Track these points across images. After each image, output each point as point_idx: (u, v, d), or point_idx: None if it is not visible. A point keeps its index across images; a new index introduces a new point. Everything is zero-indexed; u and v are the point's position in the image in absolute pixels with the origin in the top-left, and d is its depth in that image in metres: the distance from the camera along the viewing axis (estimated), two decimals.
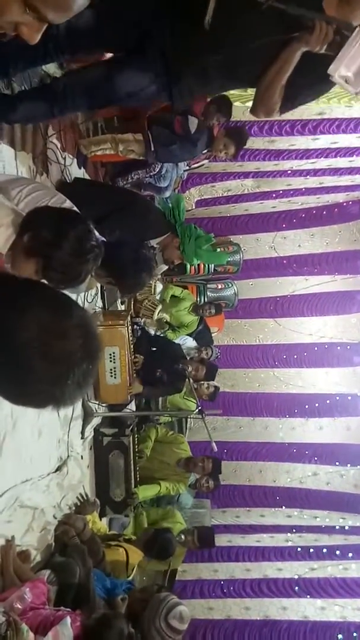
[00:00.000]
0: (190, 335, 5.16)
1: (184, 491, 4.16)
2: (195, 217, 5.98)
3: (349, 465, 6.45)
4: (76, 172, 3.21)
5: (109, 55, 2.18)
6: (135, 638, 1.97)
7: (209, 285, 6.16)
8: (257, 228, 6.54)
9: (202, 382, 4.44)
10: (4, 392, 0.76)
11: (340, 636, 4.45)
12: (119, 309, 3.83)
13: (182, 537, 3.66)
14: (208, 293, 6.08)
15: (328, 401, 6.56)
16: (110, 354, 3.22)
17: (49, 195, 1.93)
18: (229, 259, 6.06)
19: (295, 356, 6.63)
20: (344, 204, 6.49)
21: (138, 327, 4.02)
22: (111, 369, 3.23)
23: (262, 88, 1.87)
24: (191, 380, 3.91)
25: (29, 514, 2.37)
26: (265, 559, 5.04)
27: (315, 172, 5.45)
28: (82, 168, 3.35)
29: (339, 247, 6.62)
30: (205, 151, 3.64)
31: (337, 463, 6.45)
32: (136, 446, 3.56)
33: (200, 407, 3.38)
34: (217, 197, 5.94)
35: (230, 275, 6.37)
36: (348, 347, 6.62)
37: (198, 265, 5.73)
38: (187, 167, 4.32)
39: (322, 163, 5.21)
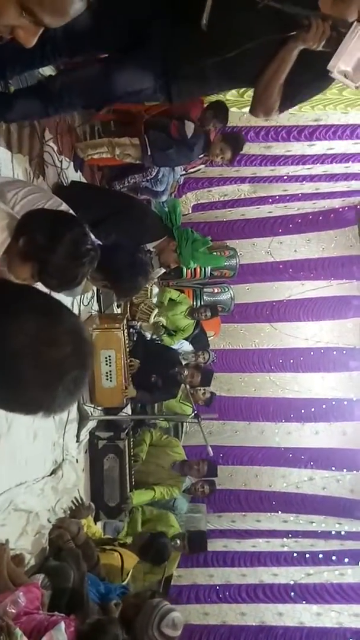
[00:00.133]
0: (186, 339, 5.16)
1: (178, 495, 4.14)
2: (192, 221, 6.00)
3: (345, 470, 6.44)
4: (73, 175, 3.22)
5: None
6: None
7: (205, 289, 6.17)
8: (253, 233, 6.56)
9: (198, 387, 4.44)
10: None
11: None
12: (115, 312, 3.83)
13: (178, 542, 3.64)
14: (204, 297, 6.09)
15: (324, 406, 6.56)
16: (106, 357, 3.21)
17: (44, 198, 1.94)
18: (225, 263, 6.08)
19: (292, 361, 6.64)
20: (340, 209, 6.53)
21: (134, 331, 4.02)
22: (107, 372, 3.23)
23: (261, 88, 1.87)
24: (187, 385, 3.91)
25: (23, 517, 2.36)
26: (261, 564, 5.02)
27: (312, 178, 5.48)
28: (78, 171, 3.36)
29: (334, 252, 6.65)
30: (202, 156, 3.66)
31: (333, 468, 6.45)
32: (131, 450, 3.55)
33: (196, 412, 3.38)
34: (213, 201, 5.96)
35: (227, 279, 6.38)
36: (344, 352, 6.63)
37: (194, 269, 5.74)
38: (184, 172, 4.34)
39: (318, 169, 5.24)
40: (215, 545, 5.09)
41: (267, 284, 6.70)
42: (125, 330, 3.40)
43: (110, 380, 3.23)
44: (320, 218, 6.55)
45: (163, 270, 3.91)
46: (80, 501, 2.81)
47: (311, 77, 1.85)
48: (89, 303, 3.28)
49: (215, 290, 6.28)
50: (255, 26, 1.74)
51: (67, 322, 0.75)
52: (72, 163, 3.26)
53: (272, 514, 6.29)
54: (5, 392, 0.74)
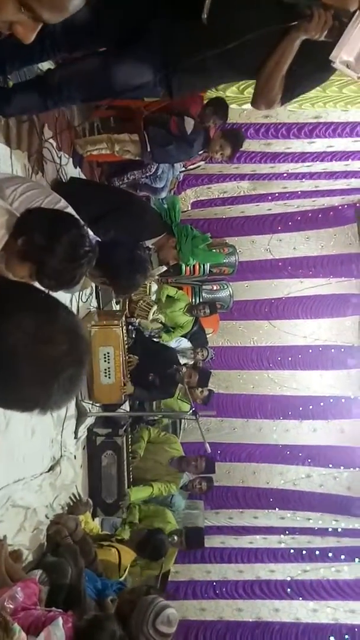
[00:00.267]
0: (184, 336, 5.17)
1: (176, 492, 4.16)
2: (191, 218, 5.99)
3: (342, 467, 6.47)
4: (72, 171, 3.21)
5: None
6: None
7: (204, 287, 6.17)
8: (252, 230, 6.55)
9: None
10: None
11: (332, 638, 4.46)
12: (114, 309, 3.83)
13: (175, 538, 3.66)
14: (203, 294, 6.09)
15: (322, 403, 6.58)
16: (105, 354, 3.22)
17: (43, 195, 1.93)
18: (224, 260, 6.07)
19: (290, 358, 6.65)
20: (339, 207, 6.52)
21: (133, 328, 4.02)
22: (105, 369, 3.23)
23: (262, 80, 1.86)
24: (185, 385, 3.91)
25: (21, 513, 2.36)
26: (258, 561, 5.05)
27: (311, 176, 5.47)
28: (77, 167, 3.35)
29: (334, 250, 6.65)
30: (202, 152, 3.65)
31: (330, 465, 6.47)
32: (129, 447, 3.56)
33: (194, 409, 3.38)
34: (213, 198, 5.95)
35: (226, 276, 6.38)
36: (342, 349, 6.64)
37: (193, 266, 5.74)
38: (183, 168, 4.33)
39: (318, 166, 5.23)
40: (213, 541, 5.11)
41: (266, 281, 6.70)
42: (124, 327, 3.40)
43: (109, 377, 3.24)
44: (320, 216, 6.54)
45: (164, 268, 3.91)
46: (78, 497, 2.82)
47: (313, 68, 1.84)
48: (87, 300, 3.27)
49: (214, 288, 6.28)
50: (257, 17, 1.73)
51: (63, 320, 0.75)
52: (71, 159, 3.24)
53: (270, 510, 6.31)
54: (1, 389, 0.74)
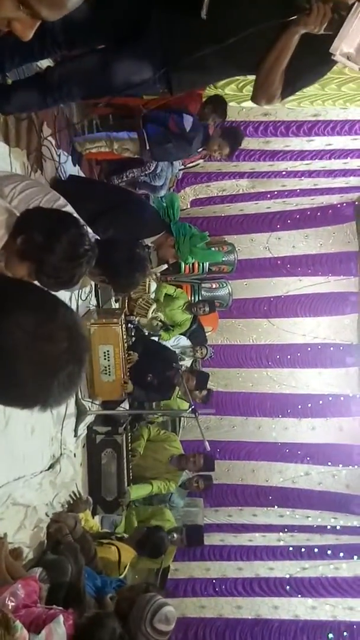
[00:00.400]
0: (184, 334, 5.17)
1: (175, 490, 4.16)
2: (190, 216, 5.99)
3: (340, 465, 6.48)
4: (71, 169, 3.21)
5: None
6: (126, 638, 1.96)
7: (203, 285, 6.17)
8: (251, 228, 6.55)
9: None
10: None
11: (330, 635, 4.48)
12: (113, 307, 3.83)
13: (175, 535, 3.66)
14: (202, 292, 6.09)
15: (321, 402, 6.59)
16: (105, 352, 3.22)
17: (42, 193, 1.93)
18: (223, 259, 6.07)
19: (289, 356, 6.66)
20: (338, 205, 6.53)
21: (132, 326, 4.02)
22: (105, 367, 3.23)
23: (262, 75, 1.85)
24: (185, 385, 3.91)
25: (22, 511, 2.37)
26: (257, 558, 5.06)
27: (310, 174, 5.47)
28: (76, 165, 3.35)
29: (332, 248, 6.65)
30: (201, 150, 3.65)
31: (329, 463, 6.48)
32: (129, 445, 3.56)
33: (193, 407, 3.39)
34: (212, 196, 5.95)
35: (225, 275, 6.38)
36: (341, 348, 6.65)
37: (192, 264, 5.73)
38: (182, 166, 4.33)
39: (317, 164, 5.23)
40: (212, 539, 5.12)
41: (265, 279, 6.70)
42: (123, 325, 3.40)
43: (109, 375, 3.24)
44: (319, 214, 6.54)
45: (166, 266, 3.90)
46: (78, 495, 2.82)
47: (313, 61, 1.83)
48: (87, 298, 3.27)
49: (213, 286, 6.28)
50: (256, 12, 1.73)
51: (63, 318, 0.75)
52: (70, 157, 3.24)
53: (269, 508, 6.33)
54: (1, 386, 0.74)
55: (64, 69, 2.04)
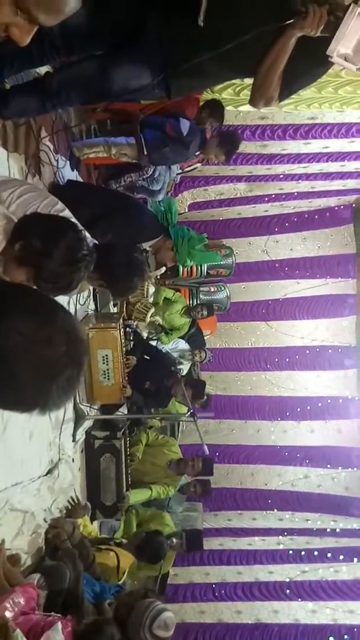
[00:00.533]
0: (182, 337, 5.17)
1: (173, 494, 4.15)
2: (188, 220, 6.00)
3: (340, 468, 6.47)
4: (69, 174, 3.21)
5: None
6: None
7: (201, 288, 6.17)
8: (249, 232, 6.56)
9: None
10: None
11: (331, 638, 4.46)
12: (112, 311, 3.83)
13: (174, 540, 3.65)
14: (200, 296, 6.09)
15: (319, 404, 6.59)
16: (103, 357, 3.21)
17: (40, 197, 1.93)
18: (221, 262, 6.08)
19: (287, 359, 6.66)
20: (336, 208, 6.54)
21: (130, 330, 4.01)
22: (104, 371, 3.23)
23: (260, 78, 1.87)
24: (184, 388, 3.90)
25: (19, 517, 2.35)
26: (257, 562, 5.05)
27: (307, 177, 5.49)
28: (74, 170, 3.35)
29: (330, 251, 6.66)
30: (198, 153, 3.65)
31: (328, 466, 6.48)
32: (128, 449, 3.55)
33: (192, 410, 3.38)
34: (209, 200, 5.96)
35: (223, 278, 6.39)
36: (339, 350, 6.66)
37: (190, 268, 5.74)
38: (180, 170, 4.34)
39: (314, 167, 5.25)
40: (212, 543, 5.11)
41: (263, 282, 6.71)
42: (122, 330, 3.40)
43: (108, 379, 3.23)
44: (316, 217, 6.56)
45: (164, 269, 3.90)
46: (76, 501, 2.81)
47: (310, 63, 1.85)
48: (85, 302, 3.27)
49: (212, 289, 6.28)
50: (253, 17, 1.74)
51: (61, 322, 0.75)
52: (68, 162, 3.24)
53: (268, 512, 6.32)
54: (0, 390, 0.74)
55: (63, 75, 2.05)
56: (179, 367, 4.68)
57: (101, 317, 3.43)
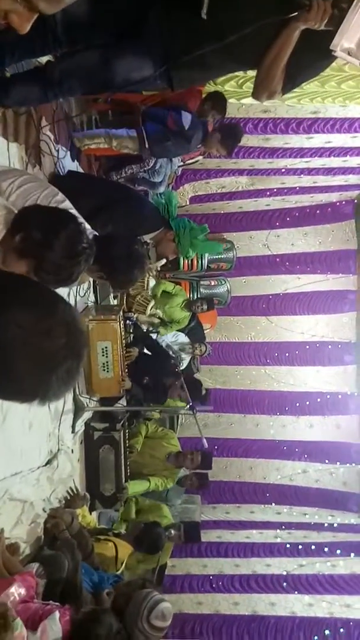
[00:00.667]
0: (182, 331, 5.17)
1: (172, 486, 4.16)
2: (189, 213, 5.98)
3: (338, 463, 6.50)
4: (69, 164, 3.20)
5: None
6: (123, 633, 1.97)
7: (202, 282, 6.17)
8: (250, 226, 6.55)
9: None
10: None
11: (327, 632, 4.49)
12: (112, 303, 3.83)
13: (172, 532, 3.67)
14: (201, 290, 6.09)
15: (319, 399, 6.60)
16: (103, 349, 3.22)
17: (41, 188, 1.92)
18: (222, 256, 6.07)
19: (287, 354, 6.66)
20: (337, 203, 6.52)
21: (130, 323, 4.02)
22: (104, 364, 3.23)
23: (263, 71, 1.86)
24: (183, 384, 3.90)
25: (19, 507, 2.37)
26: (255, 555, 5.08)
27: (309, 171, 5.47)
28: (75, 161, 3.34)
29: (331, 246, 6.65)
30: (200, 146, 3.64)
31: (326, 461, 6.50)
32: (127, 441, 3.56)
33: (191, 404, 3.39)
34: (211, 193, 5.94)
35: (224, 272, 6.38)
36: (339, 346, 6.66)
37: (191, 261, 5.73)
38: (182, 163, 4.32)
39: (316, 162, 5.23)
40: (210, 536, 5.14)
41: (264, 277, 6.71)
42: (122, 322, 3.40)
43: (107, 371, 3.24)
44: (318, 212, 6.54)
45: (164, 261, 3.89)
46: (75, 491, 2.83)
47: (314, 57, 1.84)
48: (85, 294, 3.27)
49: (212, 283, 6.28)
50: (256, 9, 1.73)
51: (61, 314, 0.75)
52: (68, 152, 3.23)
53: (266, 505, 6.35)
54: (0, 381, 0.74)
55: (65, 65, 2.04)
56: (178, 360, 4.69)
57: (101, 309, 3.43)
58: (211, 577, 4.73)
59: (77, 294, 3.10)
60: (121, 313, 3.46)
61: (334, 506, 6.32)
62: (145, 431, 4.15)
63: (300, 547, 5.25)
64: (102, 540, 2.90)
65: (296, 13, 1.70)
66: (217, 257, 6.12)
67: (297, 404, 6.60)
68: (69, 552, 2.26)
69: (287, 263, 6.65)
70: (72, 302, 2.99)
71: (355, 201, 6.50)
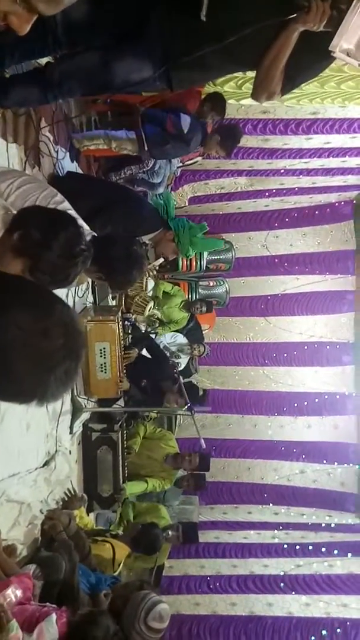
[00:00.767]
0: (180, 331, 5.17)
1: (169, 487, 4.16)
2: (188, 214, 5.97)
3: (336, 463, 6.50)
4: (69, 165, 3.19)
5: None
6: (120, 635, 1.97)
7: (200, 283, 6.17)
8: (249, 226, 6.55)
9: None
10: None
11: (324, 632, 4.50)
12: (110, 304, 3.82)
13: (170, 533, 3.67)
14: (200, 290, 6.09)
15: (317, 400, 6.61)
16: (101, 350, 3.21)
17: (40, 189, 1.92)
18: (220, 257, 6.07)
19: (285, 355, 6.67)
20: (336, 204, 6.52)
21: (129, 323, 4.01)
22: (101, 364, 3.23)
23: (262, 72, 1.87)
24: (182, 387, 3.89)
25: (16, 508, 2.37)
26: (252, 556, 5.08)
27: (308, 172, 5.47)
28: (74, 162, 3.33)
29: (330, 247, 6.65)
30: (199, 147, 3.63)
31: (324, 461, 6.50)
32: (125, 442, 3.56)
33: (189, 404, 3.39)
34: (210, 194, 5.94)
35: (222, 273, 6.38)
36: (337, 346, 6.66)
37: (190, 262, 5.73)
38: (181, 164, 4.32)
39: (315, 163, 5.23)
40: (207, 536, 5.14)
41: (263, 277, 6.70)
42: (120, 323, 3.40)
43: (105, 372, 3.23)
44: (317, 212, 6.55)
45: (162, 260, 3.89)
46: (72, 492, 2.82)
47: (313, 58, 1.85)
48: (83, 295, 3.27)
49: (211, 284, 6.28)
50: (255, 10, 1.73)
51: (59, 314, 0.75)
52: (67, 153, 3.22)
53: (264, 506, 6.35)
54: None
55: (65, 66, 2.04)
56: (176, 361, 4.68)
57: (99, 310, 3.43)
58: (209, 578, 4.73)
59: (76, 294, 3.09)
60: (120, 314, 3.46)
61: (331, 506, 6.32)
62: (144, 432, 4.15)
63: (297, 547, 5.25)
64: (100, 542, 2.90)
65: (295, 15, 1.71)
66: (215, 257, 6.12)
67: (295, 405, 6.61)
68: (66, 554, 2.25)
69: (286, 264, 6.65)
70: (70, 302, 2.99)
71: (354, 202, 6.50)
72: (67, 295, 2.89)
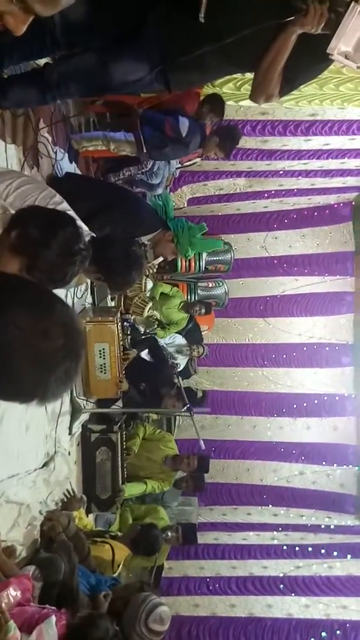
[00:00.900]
0: (179, 333, 5.17)
1: (169, 489, 4.16)
2: (187, 215, 5.97)
3: (335, 465, 6.50)
4: (67, 166, 3.20)
5: None
6: (119, 637, 1.96)
7: (199, 284, 6.17)
8: (248, 228, 6.55)
9: None
10: None
11: (323, 634, 4.49)
12: (109, 305, 3.82)
13: (169, 534, 3.66)
14: (199, 291, 6.09)
15: (316, 401, 6.61)
16: (100, 350, 3.21)
17: (38, 189, 1.92)
18: (219, 258, 6.07)
19: (284, 356, 6.66)
20: (335, 205, 6.53)
21: (128, 324, 4.01)
22: (101, 365, 3.23)
23: (261, 74, 1.87)
24: (181, 384, 3.89)
25: (15, 509, 2.36)
26: (251, 557, 5.07)
27: (307, 173, 5.48)
28: (73, 163, 3.33)
29: (329, 248, 6.66)
30: (198, 149, 3.64)
31: (323, 462, 6.50)
32: (124, 443, 3.56)
33: (188, 405, 3.39)
34: (209, 195, 5.94)
35: (221, 274, 6.38)
36: (337, 347, 6.67)
37: (189, 263, 5.74)
38: (179, 165, 4.32)
39: (314, 164, 5.23)
40: (206, 537, 5.13)
41: (262, 279, 6.71)
42: (119, 324, 3.40)
43: (105, 373, 3.23)
44: (316, 214, 6.55)
45: (160, 259, 3.89)
46: (72, 493, 2.82)
47: (311, 60, 1.85)
48: (82, 296, 3.26)
49: (210, 285, 6.28)
50: (253, 12, 1.74)
51: (59, 314, 0.75)
52: (66, 154, 3.22)
53: (263, 507, 6.34)
54: None
55: (63, 67, 2.04)
56: (175, 362, 4.68)
57: (98, 310, 3.43)
58: (208, 579, 4.72)
59: (75, 295, 3.09)
60: (119, 315, 3.46)
61: (330, 508, 6.31)
62: (143, 433, 4.14)
63: (297, 548, 5.24)
64: (99, 543, 2.89)
65: (293, 17, 1.71)
66: (214, 259, 6.12)
67: (295, 406, 6.60)
68: (65, 555, 2.25)
69: (285, 265, 6.66)
70: (69, 303, 2.98)
71: (353, 203, 6.51)
72: (66, 296, 2.89)
